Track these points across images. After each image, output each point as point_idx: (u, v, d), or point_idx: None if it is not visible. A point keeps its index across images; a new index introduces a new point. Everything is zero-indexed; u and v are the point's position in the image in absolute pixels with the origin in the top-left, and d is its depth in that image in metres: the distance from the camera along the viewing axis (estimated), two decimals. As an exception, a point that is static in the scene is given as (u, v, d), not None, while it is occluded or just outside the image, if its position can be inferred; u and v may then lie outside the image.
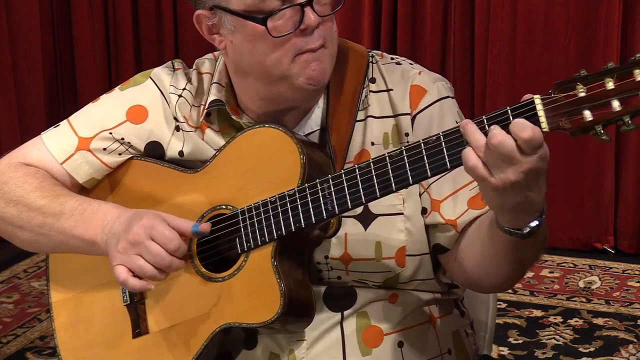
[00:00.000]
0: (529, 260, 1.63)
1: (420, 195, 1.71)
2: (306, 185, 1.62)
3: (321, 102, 1.75)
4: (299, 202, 1.62)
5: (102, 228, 1.71)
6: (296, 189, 1.62)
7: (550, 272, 4.06)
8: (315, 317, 1.69)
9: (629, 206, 4.23)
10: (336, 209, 1.59)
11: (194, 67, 1.85)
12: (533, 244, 1.56)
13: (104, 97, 1.86)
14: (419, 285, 1.75)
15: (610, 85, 1.38)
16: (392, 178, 1.54)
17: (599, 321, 3.61)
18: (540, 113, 1.41)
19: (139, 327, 1.76)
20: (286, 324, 1.65)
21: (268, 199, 1.65)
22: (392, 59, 1.80)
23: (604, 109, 1.38)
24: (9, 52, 4.60)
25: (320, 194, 1.60)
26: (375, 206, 1.68)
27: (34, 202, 1.76)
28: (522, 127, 1.40)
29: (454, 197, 1.69)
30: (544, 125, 1.41)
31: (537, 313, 3.69)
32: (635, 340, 3.46)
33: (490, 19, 4.24)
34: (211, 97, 1.76)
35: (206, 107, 1.76)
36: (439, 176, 1.58)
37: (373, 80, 1.76)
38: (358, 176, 1.57)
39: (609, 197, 4.23)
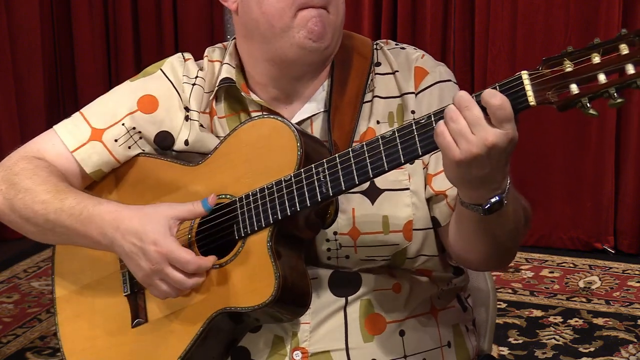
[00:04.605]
0: (506, 239, 1.65)
1: (423, 170, 1.74)
2: (302, 170, 1.64)
3: (326, 84, 1.79)
4: (294, 187, 1.64)
5: (102, 235, 1.71)
6: (292, 174, 1.65)
7: (550, 272, 4.06)
8: (319, 301, 1.71)
9: (629, 206, 4.23)
10: (330, 190, 1.61)
11: (205, 54, 1.88)
12: (503, 222, 1.59)
13: (115, 89, 1.89)
14: (425, 262, 1.76)
15: (596, 59, 1.41)
16: (384, 158, 1.56)
17: (599, 321, 3.61)
18: (528, 87, 1.45)
19: (138, 317, 1.78)
20: (281, 309, 1.66)
21: (265, 185, 1.67)
22: (396, 44, 1.85)
23: (591, 83, 1.42)
24: (9, 52, 4.61)
25: (315, 178, 1.62)
26: (381, 181, 1.71)
27: (39, 196, 1.77)
28: (492, 94, 1.45)
29: None
30: (531, 99, 1.45)
31: (537, 313, 3.69)
32: (635, 340, 3.46)
33: (490, 19, 4.24)
34: (222, 76, 1.81)
35: (217, 85, 1.80)
36: (437, 151, 1.61)
37: (378, 64, 1.81)
38: (352, 158, 1.59)
39: (609, 197, 4.23)
